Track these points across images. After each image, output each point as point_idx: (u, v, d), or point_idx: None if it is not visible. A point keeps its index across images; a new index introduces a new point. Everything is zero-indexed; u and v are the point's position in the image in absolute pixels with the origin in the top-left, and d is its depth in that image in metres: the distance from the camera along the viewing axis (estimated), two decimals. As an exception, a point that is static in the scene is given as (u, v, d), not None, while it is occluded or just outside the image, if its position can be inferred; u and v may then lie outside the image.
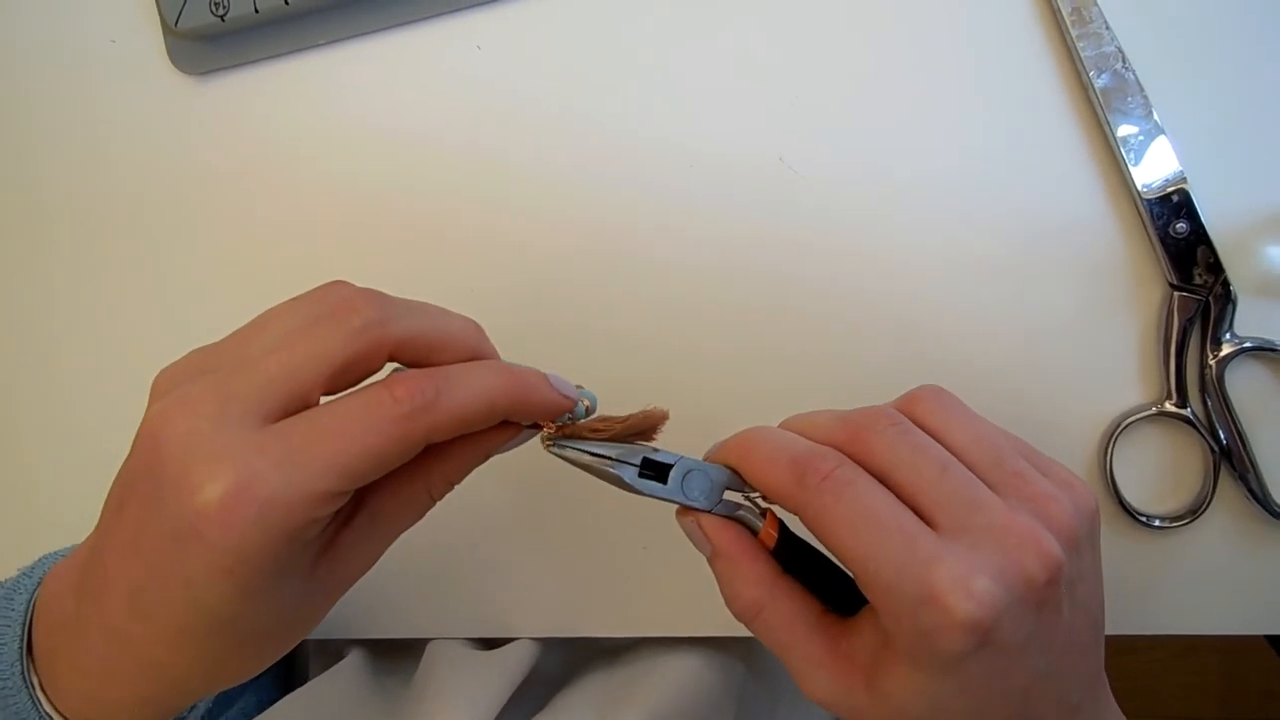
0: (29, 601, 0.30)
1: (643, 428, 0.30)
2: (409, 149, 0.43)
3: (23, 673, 0.29)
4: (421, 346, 0.27)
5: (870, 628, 0.28)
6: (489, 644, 0.45)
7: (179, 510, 0.24)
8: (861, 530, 0.25)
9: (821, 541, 0.27)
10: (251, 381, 0.25)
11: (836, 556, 0.27)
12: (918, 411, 0.28)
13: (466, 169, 0.43)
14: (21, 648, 0.29)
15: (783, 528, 0.30)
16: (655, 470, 0.29)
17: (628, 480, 0.29)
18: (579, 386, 0.30)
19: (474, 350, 0.28)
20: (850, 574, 0.27)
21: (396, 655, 0.48)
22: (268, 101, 0.44)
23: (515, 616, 0.44)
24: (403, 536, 0.43)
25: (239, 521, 0.23)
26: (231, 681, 0.29)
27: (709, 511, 0.29)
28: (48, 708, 0.29)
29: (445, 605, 0.44)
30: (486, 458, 0.30)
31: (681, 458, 0.29)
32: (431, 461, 0.29)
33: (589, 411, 0.30)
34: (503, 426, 0.29)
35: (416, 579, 0.44)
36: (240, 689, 0.49)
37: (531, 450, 0.31)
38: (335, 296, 0.27)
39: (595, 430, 0.29)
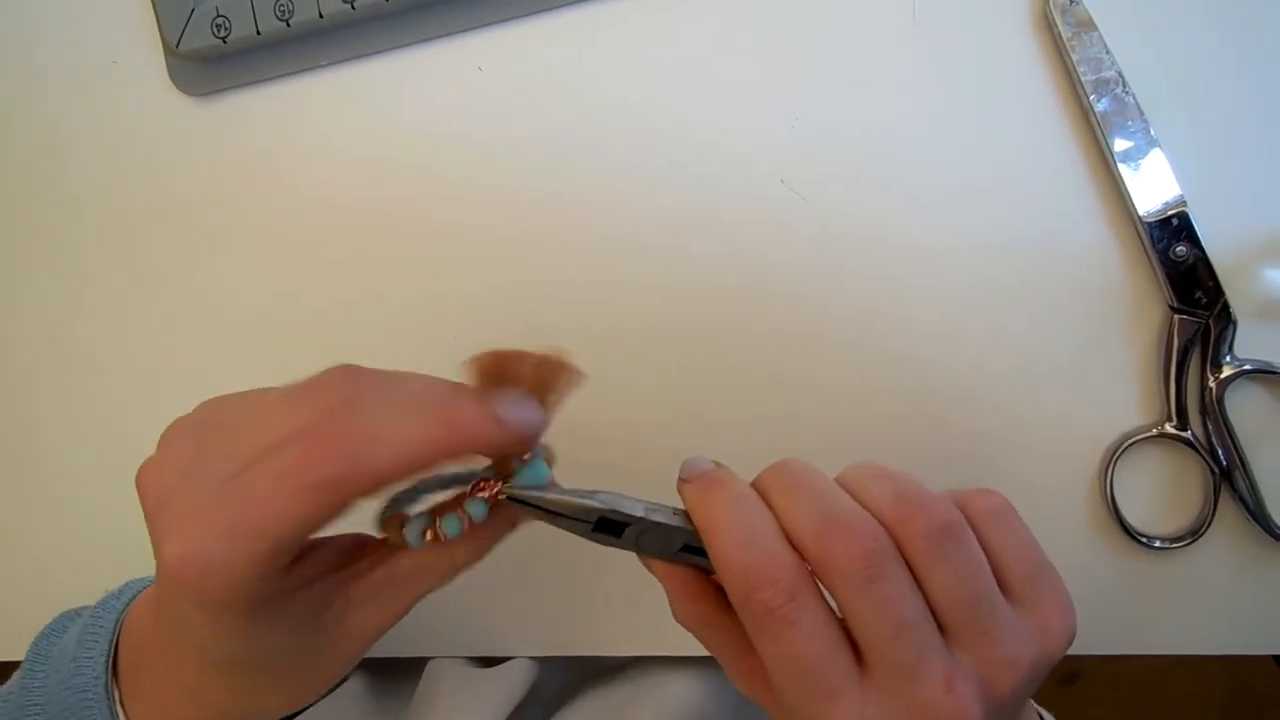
0: (116, 621, 0.33)
1: (547, 379, 0.28)
2: (410, 169, 0.43)
3: (106, 685, 0.31)
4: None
5: None
6: (489, 663, 0.45)
7: (158, 563, 0.26)
8: (788, 675, 0.26)
9: None
10: (219, 444, 0.26)
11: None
12: (915, 535, 0.26)
13: (467, 190, 0.43)
14: (108, 663, 0.32)
15: None
16: (609, 524, 0.28)
17: (581, 534, 0.28)
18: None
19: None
20: None
21: (397, 676, 0.48)
22: (269, 123, 0.44)
23: (514, 636, 0.44)
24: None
25: (200, 577, 0.25)
26: (280, 712, 0.31)
27: (661, 559, 0.29)
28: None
29: (444, 625, 0.44)
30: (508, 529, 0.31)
31: (641, 516, 0.28)
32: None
33: (550, 461, 0.30)
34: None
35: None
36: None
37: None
38: (317, 375, 0.27)
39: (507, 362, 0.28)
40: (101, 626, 0.33)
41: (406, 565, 0.30)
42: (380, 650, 0.45)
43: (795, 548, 0.26)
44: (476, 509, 0.28)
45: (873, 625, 0.25)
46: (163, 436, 0.28)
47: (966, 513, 0.27)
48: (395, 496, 0.29)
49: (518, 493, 0.28)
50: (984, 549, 0.27)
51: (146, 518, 0.27)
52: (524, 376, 0.28)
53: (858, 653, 0.26)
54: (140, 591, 0.34)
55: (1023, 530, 0.28)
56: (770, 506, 0.27)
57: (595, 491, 0.29)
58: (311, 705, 0.33)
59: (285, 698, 0.31)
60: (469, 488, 0.29)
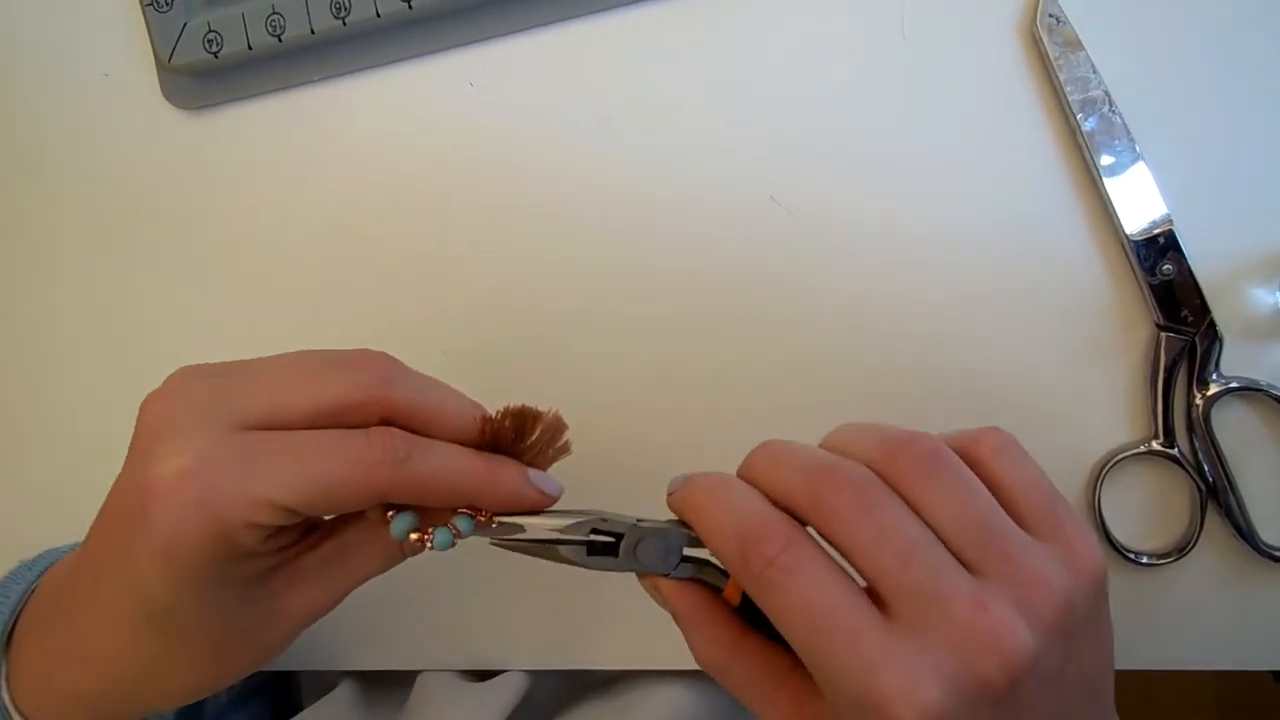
0: (24, 592, 0.32)
1: (552, 439, 0.29)
2: (402, 184, 0.43)
3: None
4: (417, 416, 0.28)
5: None
6: (480, 676, 0.45)
7: (137, 482, 0.25)
8: (804, 627, 0.24)
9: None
10: (244, 389, 0.27)
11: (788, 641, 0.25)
12: (905, 468, 0.26)
13: (459, 205, 0.43)
14: (4, 633, 0.31)
15: None
16: (605, 543, 0.28)
17: (577, 561, 0.28)
18: None
19: (467, 434, 0.28)
20: None
21: (388, 686, 0.48)
22: (261, 136, 0.44)
23: (506, 648, 0.44)
24: (394, 568, 0.44)
25: (181, 501, 0.25)
26: (174, 691, 0.30)
27: (667, 575, 0.28)
28: (5, 696, 0.30)
29: (436, 637, 0.44)
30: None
31: (634, 524, 0.28)
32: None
33: None
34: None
35: (407, 610, 0.44)
36: (230, 707, 0.50)
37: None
38: (357, 351, 0.28)
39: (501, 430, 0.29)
40: (6, 597, 0.32)
41: (355, 539, 0.30)
42: (371, 663, 0.45)
43: (789, 510, 0.26)
44: (464, 524, 0.29)
45: (880, 555, 0.24)
46: (171, 378, 0.28)
47: (973, 449, 0.27)
48: None
49: (508, 519, 0.29)
50: (994, 484, 0.26)
51: (141, 437, 0.26)
52: (534, 433, 0.29)
53: (878, 603, 0.24)
54: (59, 559, 0.33)
55: (1032, 464, 0.27)
56: (756, 483, 0.27)
57: (581, 510, 0.29)
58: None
59: (193, 677, 0.30)
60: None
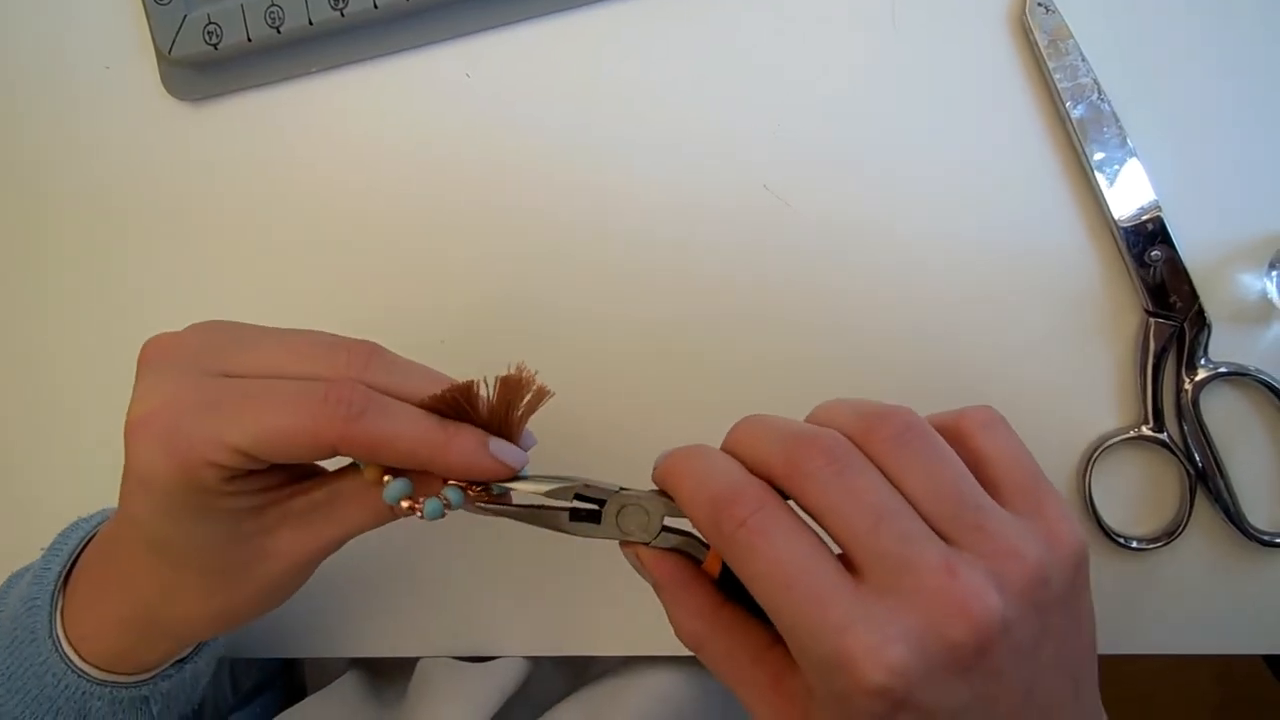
0: (85, 535, 0.35)
1: (511, 399, 0.28)
2: (400, 173, 0.44)
3: (53, 594, 0.33)
4: (391, 394, 0.28)
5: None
6: (480, 662, 0.46)
7: (128, 415, 0.27)
8: (774, 588, 0.24)
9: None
10: (234, 348, 0.28)
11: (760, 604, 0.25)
12: (881, 439, 0.26)
13: (455, 196, 0.43)
14: (62, 572, 0.34)
15: None
16: (588, 509, 0.29)
17: (560, 527, 0.29)
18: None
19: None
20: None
21: (392, 674, 0.48)
22: (261, 128, 0.44)
23: (504, 635, 0.45)
24: (393, 553, 0.44)
25: (148, 439, 0.27)
26: (199, 624, 0.32)
27: (648, 544, 0.29)
28: (59, 628, 0.33)
29: (434, 624, 0.45)
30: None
31: (618, 491, 0.29)
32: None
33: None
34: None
35: (408, 597, 0.45)
36: (242, 701, 0.50)
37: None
38: (353, 339, 0.29)
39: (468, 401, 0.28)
40: (66, 542, 0.35)
41: (348, 490, 0.30)
42: (372, 650, 0.45)
43: (766, 478, 0.26)
44: (454, 496, 0.29)
45: (851, 518, 0.24)
46: (189, 326, 0.29)
47: (959, 425, 0.27)
48: None
49: (497, 489, 0.29)
50: (976, 458, 0.27)
51: (136, 376, 0.28)
52: (486, 404, 0.28)
53: (850, 568, 0.25)
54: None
55: (1016, 441, 0.28)
56: (736, 454, 0.28)
57: (565, 476, 0.29)
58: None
59: (205, 605, 0.31)
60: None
